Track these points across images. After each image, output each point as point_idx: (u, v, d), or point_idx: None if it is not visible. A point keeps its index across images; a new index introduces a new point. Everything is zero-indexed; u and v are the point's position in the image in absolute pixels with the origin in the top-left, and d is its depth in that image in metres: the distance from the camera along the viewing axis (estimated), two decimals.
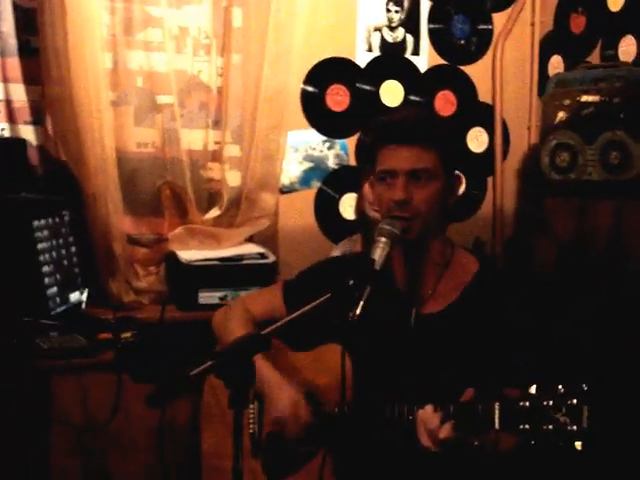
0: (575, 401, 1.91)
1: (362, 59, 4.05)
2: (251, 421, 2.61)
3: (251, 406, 2.59)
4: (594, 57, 4.34)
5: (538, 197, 3.98)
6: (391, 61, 4.11)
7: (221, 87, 3.76)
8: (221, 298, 3.41)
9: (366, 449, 2.44)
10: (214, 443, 2.73)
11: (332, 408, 2.46)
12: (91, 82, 3.34)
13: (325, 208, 4.03)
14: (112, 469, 3.16)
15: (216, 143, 3.79)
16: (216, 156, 3.81)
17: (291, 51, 3.73)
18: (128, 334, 3.17)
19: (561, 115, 3.75)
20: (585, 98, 3.65)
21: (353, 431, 2.43)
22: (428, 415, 2.15)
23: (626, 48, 4.22)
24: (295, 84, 3.87)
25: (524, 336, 2.40)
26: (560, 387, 1.94)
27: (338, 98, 4.00)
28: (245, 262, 3.55)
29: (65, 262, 3.29)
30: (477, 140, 4.34)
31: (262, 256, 3.59)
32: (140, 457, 3.19)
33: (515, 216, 4.43)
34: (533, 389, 1.98)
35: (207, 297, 3.44)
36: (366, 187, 2.63)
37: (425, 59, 4.18)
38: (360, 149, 2.68)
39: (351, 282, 2.14)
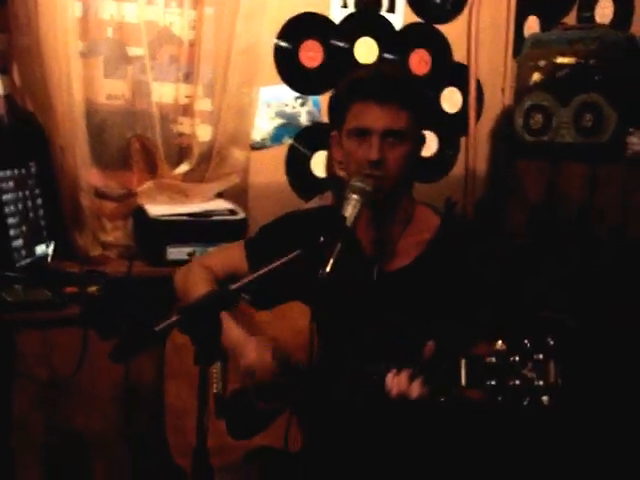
0: (541, 356, 1.90)
1: (337, 15, 3.99)
2: (215, 381, 2.59)
3: (214, 366, 2.57)
4: (570, 18, 4.32)
5: (511, 159, 3.97)
6: (366, 18, 4.06)
7: (193, 40, 3.70)
8: (189, 254, 3.37)
9: (332, 407, 2.43)
10: (178, 401, 2.71)
11: (297, 367, 2.45)
12: (60, 31, 3.27)
13: (296, 165, 3.99)
14: (76, 424, 3.14)
15: (187, 97, 3.74)
16: (187, 110, 3.75)
17: (265, 5, 3.68)
18: (94, 288, 3.14)
19: (536, 76, 3.73)
20: (560, 59, 3.64)
21: (319, 389, 2.42)
22: (396, 377, 2.14)
23: (603, 10, 4.21)
24: (268, 39, 3.82)
25: (488, 289, 2.41)
26: (526, 342, 1.92)
27: (311, 54, 3.95)
28: (214, 218, 3.51)
29: (31, 214, 3.25)
30: (451, 100, 4.31)
31: (232, 212, 3.56)
32: (104, 412, 3.18)
33: (487, 177, 4.41)
34: (499, 344, 1.96)
35: (175, 252, 3.40)
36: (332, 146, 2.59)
37: (400, 17, 4.13)
38: (331, 104, 2.63)
39: (322, 239, 2.12)
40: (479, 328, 2.30)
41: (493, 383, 1.96)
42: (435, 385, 2.08)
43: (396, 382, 2.14)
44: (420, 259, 2.45)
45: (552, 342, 1.91)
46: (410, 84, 2.48)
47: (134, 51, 3.56)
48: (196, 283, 2.67)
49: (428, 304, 2.37)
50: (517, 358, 1.92)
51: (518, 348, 1.93)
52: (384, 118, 2.34)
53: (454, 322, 2.31)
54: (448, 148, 4.34)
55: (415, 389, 2.10)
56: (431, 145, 4.27)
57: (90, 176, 3.49)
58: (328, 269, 2.10)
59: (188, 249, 3.41)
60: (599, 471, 3.25)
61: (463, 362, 2.03)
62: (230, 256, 2.74)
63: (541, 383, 1.89)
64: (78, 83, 3.38)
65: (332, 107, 2.57)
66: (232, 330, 2.47)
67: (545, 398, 1.89)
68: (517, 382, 1.92)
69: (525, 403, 1.91)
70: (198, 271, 2.73)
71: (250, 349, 2.46)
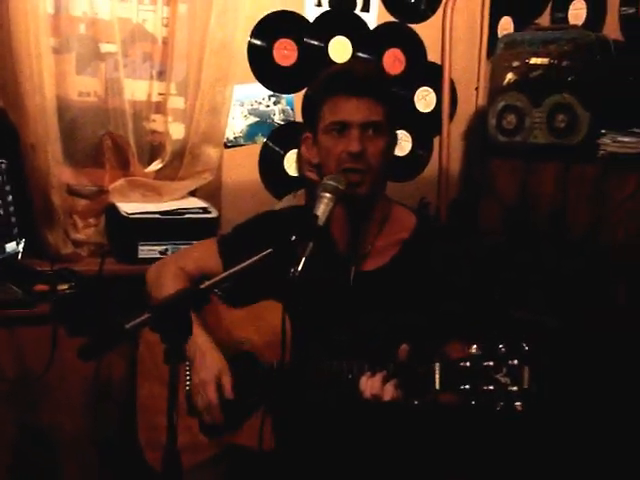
0: (516, 361, 1.92)
1: (311, 13, 3.98)
2: (187, 378, 2.59)
3: (187, 363, 2.56)
4: (544, 19, 4.35)
5: (484, 159, 3.98)
6: (340, 17, 4.05)
7: (166, 37, 3.67)
8: (161, 252, 3.36)
9: (305, 407, 2.43)
10: (150, 399, 2.69)
11: (270, 366, 2.45)
12: (31, 27, 3.22)
13: (269, 164, 3.98)
14: (45, 423, 3.13)
15: (160, 94, 3.71)
16: (160, 108, 3.73)
17: (239, 3, 3.65)
18: (65, 286, 3.12)
19: (509, 77, 3.74)
20: (534, 60, 3.65)
21: (292, 389, 2.41)
22: (372, 382, 2.14)
23: (576, 11, 4.23)
24: (242, 37, 3.79)
25: (462, 289, 2.41)
26: (501, 347, 1.93)
27: (285, 52, 3.94)
28: (187, 216, 3.49)
29: (1, 211, 3.21)
30: (425, 100, 4.31)
31: (204, 210, 3.54)
32: (74, 411, 3.16)
33: (461, 177, 4.42)
34: (474, 349, 1.97)
35: (147, 251, 3.38)
36: (303, 147, 2.59)
37: (375, 16, 4.13)
38: (304, 104, 2.62)
39: (293, 238, 2.12)
40: (451, 327, 2.31)
41: (467, 387, 1.97)
42: (409, 388, 2.09)
43: (370, 384, 2.15)
44: (396, 259, 2.46)
45: (527, 348, 1.92)
46: (383, 80, 2.55)
47: (107, 48, 3.53)
48: (167, 280, 2.67)
49: (403, 304, 2.38)
50: (492, 363, 1.93)
51: (493, 353, 1.94)
52: (362, 110, 2.35)
53: (427, 321, 2.32)
54: (421, 148, 4.34)
55: (388, 391, 2.11)
56: (404, 145, 4.27)
57: (61, 174, 3.46)
58: (299, 268, 2.10)
59: (160, 247, 3.39)
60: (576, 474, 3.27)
61: (437, 366, 2.03)
62: (203, 254, 2.74)
63: (515, 389, 1.91)
64: (50, 80, 3.34)
65: (305, 107, 2.58)
66: (196, 335, 2.46)
67: (518, 404, 1.90)
68: (491, 387, 1.93)
69: (498, 408, 1.91)
70: (170, 268, 2.73)
71: (206, 364, 2.48)
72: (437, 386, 2.03)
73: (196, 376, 2.49)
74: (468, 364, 1.97)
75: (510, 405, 1.91)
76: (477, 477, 2.88)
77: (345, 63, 2.46)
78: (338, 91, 2.38)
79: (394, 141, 2.48)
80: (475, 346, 1.97)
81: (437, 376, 2.03)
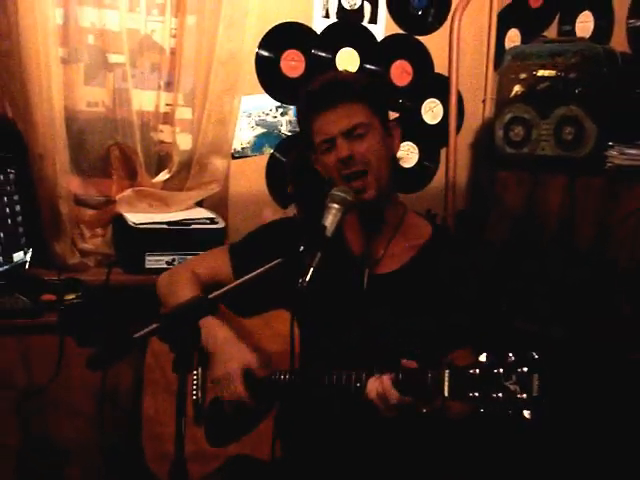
0: (525, 369, 1.91)
1: (319, 25, 3.99)
2: (194, 388, 2.58)
3: (194, 372, 2.56)
4: (551, 32, 4.35)
5: (491, 170, 3.97)
6: (348, 28, 4.06)
7: (174, 48, 3.69)
8: (168, 262, 3.36)
9: (314, 415, 2.43)
10: (156, 410, 2.70)
11: (280, 375, 2.45)
12: (40, 38, 3.24)
13: (277, 175, 3.98)
14: (52, 432, 3.13)
15: (168, 105, 3.73)
16: (167, 118, 3.75)
17: (247, 14, 3.66)
18: (72, 296, 3.13)
19: (517, 89, 3.73)
20: (541, 72, 3.64)
21: (301, 398, 2.41)
22: (380, 382, 2.14)
23: (583, 24, 4.23)
24: (250, 48, 3.81)
25: (471, 301, 2.41)
26: (510, 355, 1.93)
27: (293, 64, 3.95)
28: (194, 226, 3.50)
29: (9, 221, 3.22)
30: (432, 112, 4.31)
31: (211, 221, 3.55)
32: (80, 422, 3.16)
33: (467, 189, 4.42)
34: (483, 357, 1.97)
35: (154, 261, 3.39)
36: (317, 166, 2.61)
37: (382, 28, 4.14)
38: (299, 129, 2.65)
39: (302, 248, 2.12)
40: (459, 337, 2.31)
41: (476, 395, 1.96)
42: (418, 394, 2.08)
43: (377, 384, 2.14)
44: (410, 264, 2.47)
45: (536, 356, 1.92)
46: (352, 78, 2.53)
47: (115, 58, 3.55)
48: (179, 288, 2.67)
49: (415, 308, 2.38)
50: (501, 371, 1.93)
51: (502, 361, 1.94)
52: (338, 121, 2.38)
53: (436, 327, 2.33)
54: (428, 159, 4.34)
55: (395, 394, 2.10)
56: (411, 156, 4.27)
57: (69, 183, 3.47)
58: (307, 279, 2.11)
59: (167, 257, 3.40)
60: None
61: (447, 373, 2.03)
62: (215, 260, 2.74)
63: (524, 396, 1.90)
64: (58, 90, 3.36)
65: (301, 133, 2.61)
66: (217, 329, 2.46)
67: (527, 412, 1.89)
68: (500, 395, 1.92)
69: (507, 416, 1.91)
70: (184, 274, 2.74)
71: (226, 359, 2.45)
72: (446, 393, 2.03)
73: (221, 367, 2.47)
74: (477, 371, 1.97)
75: (519, 413, 1.90)
76: None
77: (315, 79, 2.46)
78: (314, 111, 2.42)
79: (390, 130, 2.48)
80: (485, 354, 1.97)
81: (446, 383, 2.03)
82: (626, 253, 3.33)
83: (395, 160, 2.50)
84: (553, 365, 2.08)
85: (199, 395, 2.58)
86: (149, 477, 2.66)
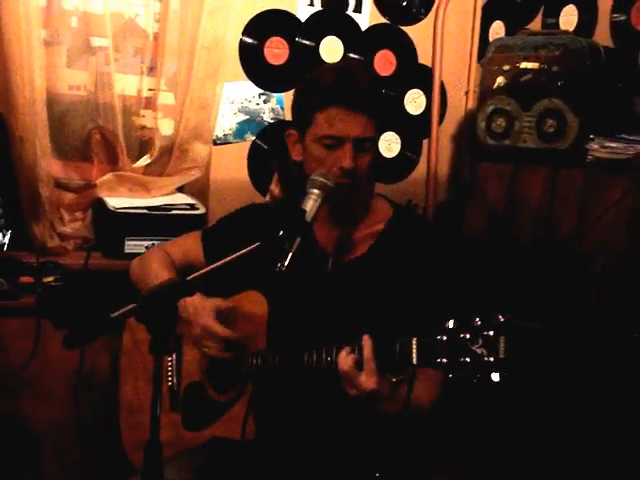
0: (492, 332, 1.92)
1: (303, 13, 3.98)
2: (169, 374, 2.59)
3: (169, 359, 2.56)
4: (535, 24, 4.36)
5: (472, 162, 3.98)
6: (332, 17, 4.05)
7: (158, 33, 3.67)
8: (148, 247, 3.34)
9: (286, 395, 2.43)
10: (134, 396, 2.70)
11: (252, 357, 2.45)
12: (22, 19, 3.21)
13: (258, 162, 3.97)
14: (27, 414, 3.13)
15: (150, 90, 3.72)
16: (150, 103, 3.73)
17: (231, 0, 3.65)
18: (50, 279, 3.12)
19: (500, 80, 3.74)
20: (524, 65, 3.65)
21: (272, 378, 2.42)
22: (349, 355, 2.14)
23: (567, 17, 4.25)
24: (234, 34, 3.79)
25: (437, 282, 2.42)
26: (477, 319, 1.94)
27: (277, 51, 3.94)
28: (174, 212, 3.50)
29: None
30: (415, 102, 4.31)
31: (192, 207, 3.55)
32: (56, 403, 3.15)
33: (449, 180, 4.42)
34: (450, 323, 1.97)
35: (134, 246, 3.38)
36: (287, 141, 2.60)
37: (367, 17, 4.13)
38: (295, 103, 2.59)
39: (281, 233, 2.12)
40: (426, 317, 2.31)
41: (444, 361, 1.97)
42: (386, 364, 2.09)
43: (348, 359, 2.14)
44: (371, 250, 2.49)
45: (502, 319, 1.92)
46: (377, 92, 2.56)
47: (98, 42, 3.53)
48: (153, 263, 2.71)
49: (379, 294, 2.40)
50: (467, 335, 1.94)
51: (469, 325, 1.95)
52: (358, 127, 2.38)
53: (403, 312, 2.33)
54: (410, 150, 4.34)
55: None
56: (393, 146, 4.27)
57: (50, 167, 3.45)
58: (287, 263, 2.11)
59: (147, 242, 3.39)
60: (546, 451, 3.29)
61: (414, 341, 2.04)
62: (187, 245, 2.76)
63: (491, 359, 1.91)
64: (40, 72, 3.33)
65: (296, 105, 2.57)
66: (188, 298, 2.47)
67: (495, 374, 1.90)
68: (467, 359, 1.93)
69: (475, 380, 1.92)
70: (156, 255, 2.76)
71: (198, 313, 2.48)
72: (414, 360, 2.04)
73: (196, 327, 2.48)
74: (445, 337, 1.98)
75: (487, 376, 1.91)
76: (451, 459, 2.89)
77: (337, 69, 2.41)
78: (336, 102, 2.38)
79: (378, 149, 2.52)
80: (452, 320, 1.98)
81: (414, 351, 2.04)
82: (606, 246, 3.34)
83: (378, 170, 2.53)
84: (527, 356, 2.10)
85: (174, 381, 2.59)
86: (124, 461, 2.67)
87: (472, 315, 1.95)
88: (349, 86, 2.41)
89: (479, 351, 1.92)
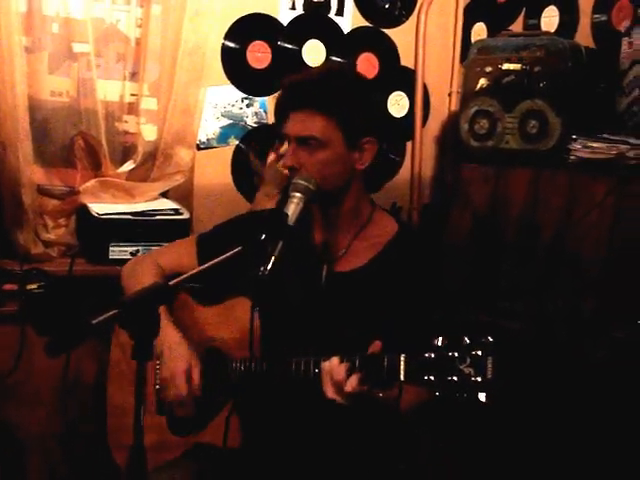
0: (480, 352, 1.92)
1: (285, 17, 3.98)
2: (157, 377, 2.58)
3: (157, 362, 2.56)
4: (517, 26, 4.37)
5: (456, 164, 3.98)
6: (314, 20, 4.05)
7: (140, 38, 3.66)
8: (132, 253, 3.34)
9: (273, 403, 2.43)
10: (121, 401, 2.69)
11: (240, 363, 2.45)
12: (3, 25, 3.20)
13: (242, 166, 3.97)
14: (12, 421, 3.12)
15: (132, 95, 3.70)
16: (132, 109, 3.71)
17: (213, 5, 3.65)
18: (34, 286, 3.11)
19: (482, 82, 3.75)
20: (506, 66, 3.66)
21: (260, 386, 2.42)
22: (334, 366, 2.14)
23: (549, 18, 4.26)
24: (216, 39, 3.78)
25: (434, 299, 2.42)
26: (466, 339, 1.94)
27: (259, 55, 3.94)
28: (158, 217, 3.49)
29: None
30: (398, 104, 4.31)
31: (176, 212, 3.54)
32: (41, 410, 3.15)
33: (433, 183, 4.42)
34: (439, 341, 1.97)
35: (118, 252, 3.37)
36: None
37: (349, 20, 4.13)
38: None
39: (263, 237, 2.12)
40: (420, 332, 2.30)
41: (432, 378, 1.97)
42: (374, 379, 2.09)
43: (332, 369, 2.14)
44: (373, 262, 2.46)
45: (491, 339, 1.93)
46: (329, 88, 2.40)
47: (79, 48, 3.51)
48: (140, 273, 2.68)
49: (373, 308, 2.38)
50: (456, 354, 1.94)
51: (457, 344, 1.95)
52: (296, 125, 2.37)
53: (397, 328, 2.32)
54: (394, 152, 4.34)
55: (351, 382, 2.10)
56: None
57: (32, 173, 3.43)
58: (269, 267, 2.11)
59: (131, 248, 3.38)
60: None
61: (402, 357, 2.04)
62: (181, 251, 2.75)
63: (479, 379, 1.91)
64: (22, 79, 3.32)
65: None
66: (166, 330, 2.46)
67: (482, 394, 1.90)
68: (455, 378, 1.93)
69: (462, 399, 1.92)
70: (146, 263, 2.75)
71: (174, 358, 2.48)
72: (402, 377, 2.04)
73: (166, 370, 2.48)
74: (433, 355, 1.98)
75: (474, 396, 1.91)
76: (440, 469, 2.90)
77: (297, 74, 2.41)
78: (284, 104, 2.44)
79: (362, 146, 2.44)
80: (440, 338, 1.98)
81: (402, 367, 2.04)
82: (589, 246, 3.34)
83: (357, 173, 2.47)
84: (509, 357, 2.10)
85: (161, 380, 2.58)
86: (109, 467, 2.66)
87: (461, 334, 1.95)
88: (292, 87, 2.44)
89: (467, 370, 1.92)
